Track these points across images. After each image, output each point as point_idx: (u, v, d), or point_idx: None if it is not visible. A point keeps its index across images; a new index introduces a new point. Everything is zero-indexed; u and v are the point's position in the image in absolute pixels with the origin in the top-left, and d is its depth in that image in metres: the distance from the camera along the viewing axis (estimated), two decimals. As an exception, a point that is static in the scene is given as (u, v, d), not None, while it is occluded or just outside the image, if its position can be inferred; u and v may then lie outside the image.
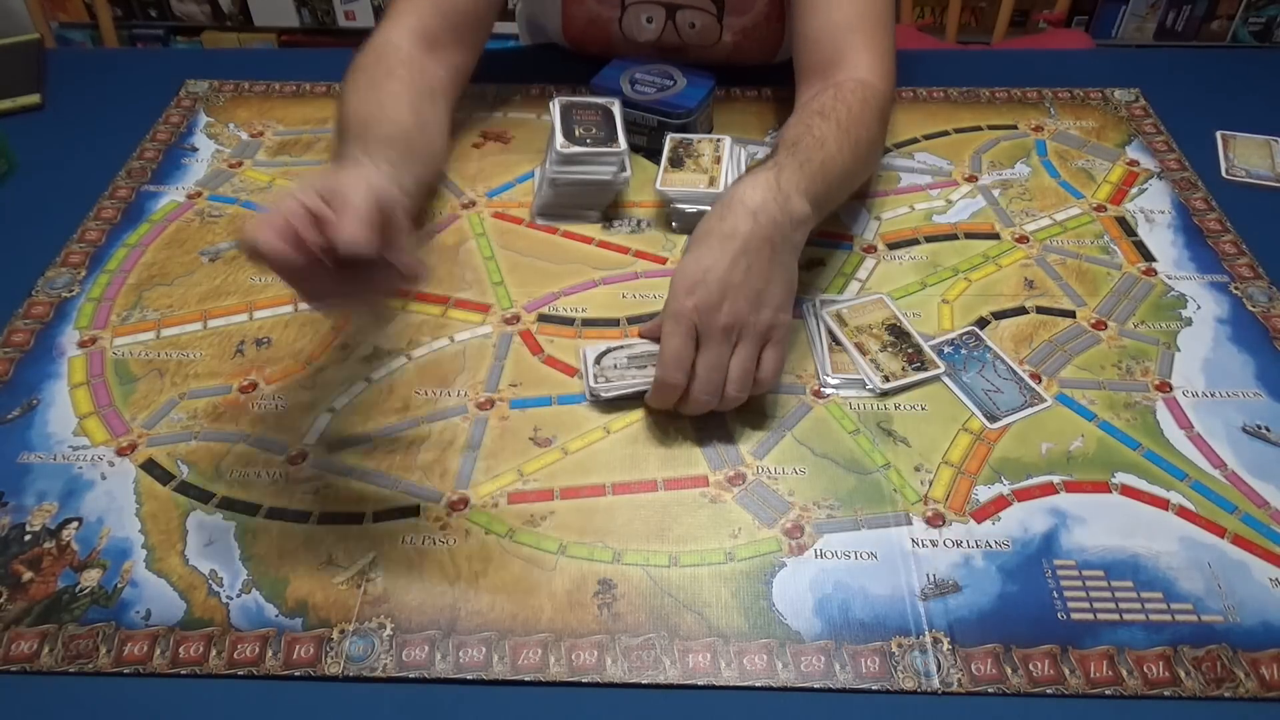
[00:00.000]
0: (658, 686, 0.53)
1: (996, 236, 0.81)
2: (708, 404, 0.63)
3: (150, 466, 0.64)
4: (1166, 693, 0.52)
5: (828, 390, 0.68)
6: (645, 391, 0.65)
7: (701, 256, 0.63)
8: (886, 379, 0.68)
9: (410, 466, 0.64)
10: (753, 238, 0.63)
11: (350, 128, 0.72)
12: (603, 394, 0.66)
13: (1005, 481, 0.62)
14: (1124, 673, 0.53)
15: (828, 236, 0.80)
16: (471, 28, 0.86)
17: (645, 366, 0.66)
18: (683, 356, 0.61)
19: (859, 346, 0.70)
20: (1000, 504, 0.61)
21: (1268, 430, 0.65)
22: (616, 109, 0.82)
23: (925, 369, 0.69)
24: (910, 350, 0.70)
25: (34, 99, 0.97)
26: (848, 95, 0.75)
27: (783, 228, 0.64)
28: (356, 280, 0.54)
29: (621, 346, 0.69)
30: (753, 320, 0.62)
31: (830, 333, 0.72)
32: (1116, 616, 0.55)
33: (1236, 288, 0.76)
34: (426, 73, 0.80)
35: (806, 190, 0.67)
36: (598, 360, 0.67)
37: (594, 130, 0.80)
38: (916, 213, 0.83)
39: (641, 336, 0.70)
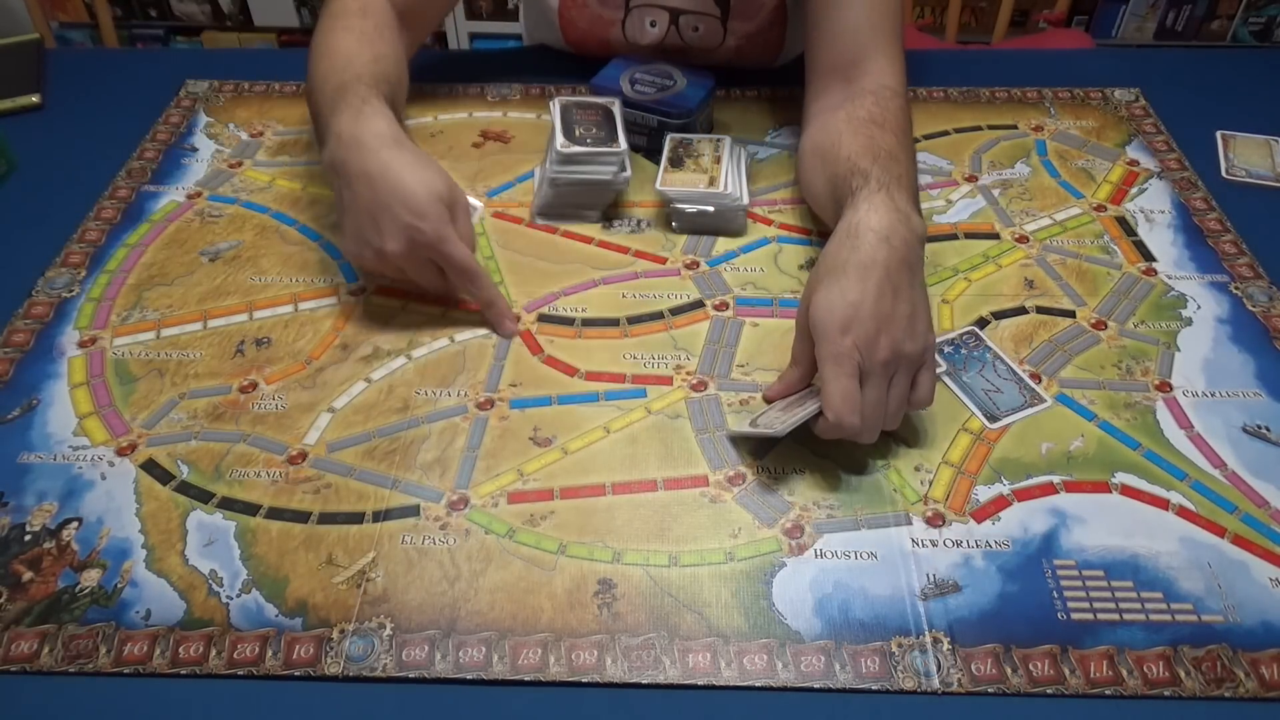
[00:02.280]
0: (658, 686, 0.53)
1: (996, 236, 0.81)
2: (871, 439, 0.61)
3: (150, 466, 0.64)
4: (1166, 693, 0.52)
5: None
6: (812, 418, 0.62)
7: (846, 291, 0.60)
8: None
9: (410, 466, 0.64)
10: (891, 264, 0.61)
11: (360, 74, 0.74)
12: (778, 427, 0.61)
13: (1005, 481, 0.62)
14: (1124, 673, 0.53)
15: (828, 236, 0.80)
16: (431, 12, 0.91)
17: (804, 403, 0.63)
18: (852, 396, 0.59)
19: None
20: (1000, 504, 0.61)
21: (1268, 430, 0.65)
22: (616, 109, 0.82)
23: (926, 368, 0.69)
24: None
25: (34, 99, 0.97)
26: (889, 103, 0.75)
27: (914, 248, 0.63)
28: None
29: (768, 410, 0.65)
30: (909, 349, 0.60)
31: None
32: (1116, 616, 0.55)
33: (1236, 288, 0.76)
34: (402, 40, 0.85)
35: (913, 203, 0.67)
36: (753, 423, 0.63)
37: (594, 130, 0.80)
38: (916, 213, 0.83)
39: (773, 398, 0.66)
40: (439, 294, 0.74)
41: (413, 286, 0.73)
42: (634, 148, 0.85)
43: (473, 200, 0.75)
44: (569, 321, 0.74)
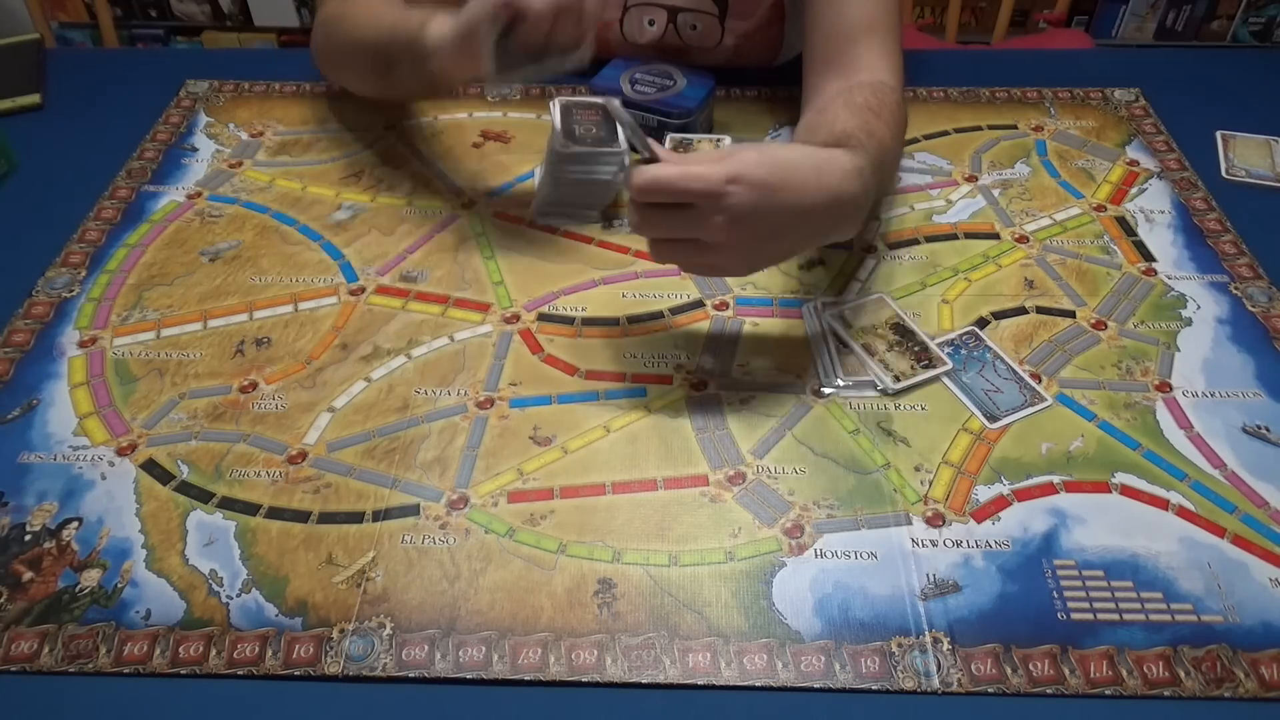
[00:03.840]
0: (658, 686, 0.53)
1: (996, 236, 0.81)
2: (642, 232, 0.60)
3: (150, 466, 0.64)
4: (1166, 693, 0.52)
5: (843, 394, 0.68)
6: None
7: (769, 166, 0.58)
8: (897, 379, 0.68)
9: (410, 466, 0.64)
10: (829, 202, 0.61)
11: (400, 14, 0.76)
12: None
13: (1005, 481, 0.62)
14: (1124, 673, 0.53)
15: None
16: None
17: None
18: (691, 184, 0.56)
19: (866, 348, 0.70)
20: (1000, 504, 0.61)
21: (1268, 430, 0.65)
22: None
23: (933, 366, 0.69)
24: (917, 348, 0.70)
25: (34, 99, 0.97)
26: (886, 97, 0.74)
27: (845, 221, 0.63)
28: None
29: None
30: (740, 238, 0.58)
31: (835, 335, 0.72)
32: (1116, 616, 0.55)
33: (1236, 288, 0.76)
34: None
35: (880, 188, 0.68)
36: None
37: (594, 130, 0.80)
38: (916, 213, 0.83)
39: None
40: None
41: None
42: (634, 148, 0.85)
43: None
44: (569, 321, 0.74)
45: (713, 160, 0.57)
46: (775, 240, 0.61)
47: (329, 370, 0.70)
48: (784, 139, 0.91)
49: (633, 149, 0.57)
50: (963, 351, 0.71)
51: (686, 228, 0.59)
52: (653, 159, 0.59)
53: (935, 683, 0.52)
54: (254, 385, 0.69)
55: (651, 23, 0.93)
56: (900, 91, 0.77)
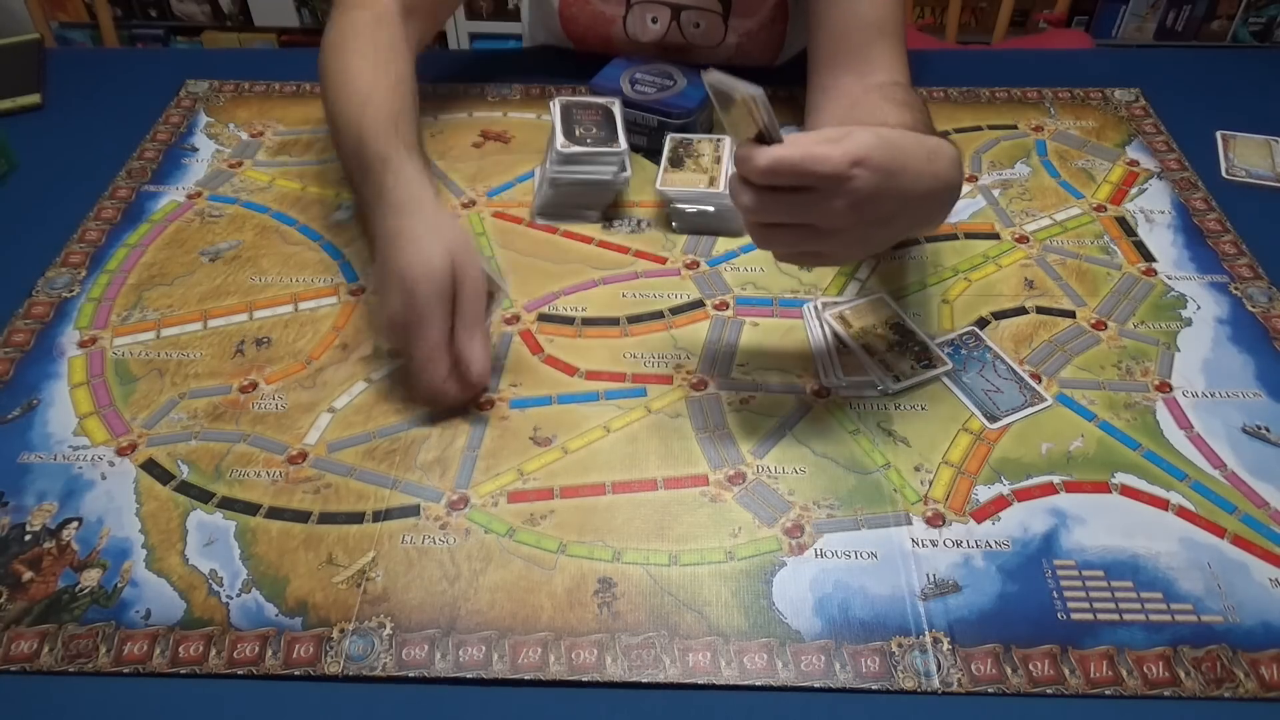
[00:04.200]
0: (657, 686, 0.53)
1: (996, 236, 0.81)
2: (748, 214, 0.56)
3: (150, 466, 0.64)
4: (1166, 693, 0.52)
5: (843, 394, 0.68)
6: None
7: (888, 148, 0.56)
8: (897, 379, 0.68)
9: (410, 466, 0.64)
10: (938, 185, 0.59)
11: (382, 118, 0.72)
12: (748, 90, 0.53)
13: (1005, 481, 0.62)
14: (1124, 673, 0.53)
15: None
16: (440, 9, 0.90)
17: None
18: (818, 166, 0.53)
19: (866, 348, 0.70)
20: (1000, 504, 0.61)
21: (1268, 430, 0.65)
22: (617, 109, 0.82)
23: (934, 366, 0.69)
24: (917, 348, 0.70)
25: (34, 99, 0.97)
26: (916, 99, 0.75)
27: (943, 210, 0.62)
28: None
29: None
30: (856, 223, 0.56)
31: (835, 335, 0.72)
32: (1116, 616, 0.55)
33: (1236, 288, 0.76)
34: (412, 46, 0.82)
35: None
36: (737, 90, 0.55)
37: (594, 130, 0.80)
38: (916, 213, 0.83)
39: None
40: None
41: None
42: (634, 148, 0.85)
43: (500, 282, 0.69)
44: (569, 321, 0.74)
45: (831, 141, 0.54)
46: (886, 226, 0.59)
47: (329, 370, 0.70)
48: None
49: (761, 139, 0.54)
50: (963, 351, 0.71)
51: (803, 212, 0.55)
52: (774, 140, 0.54)
53: (935, 683, 0.52)
54: (254, 385, 0.69)
55: (654, 20, 0.94)
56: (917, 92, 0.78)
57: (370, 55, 0.77)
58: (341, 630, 0.55)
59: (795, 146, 0.53)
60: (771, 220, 0.57)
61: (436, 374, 0.64)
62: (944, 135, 0.71)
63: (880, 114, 0.71)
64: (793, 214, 0.56)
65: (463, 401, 0.66)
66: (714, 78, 0.56)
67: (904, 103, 0.73)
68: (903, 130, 0.60)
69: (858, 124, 0.71)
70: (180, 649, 0.54)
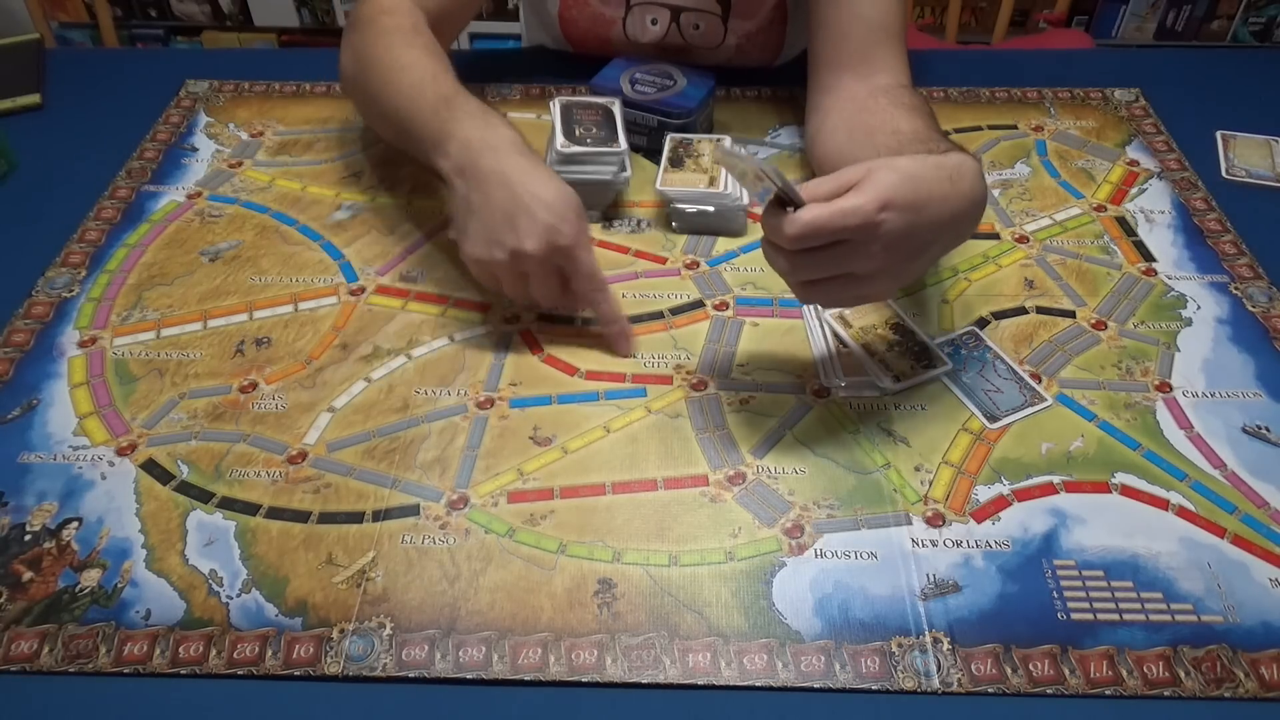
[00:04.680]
0: (658, 686, 0.53)
1: (996, 236, 0.81)
2: (793, 275, 0.57)
3: (150, 466, 0.64)
4: (1166, 693, 0.52)
5: (843, 394, 0.68)
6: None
7: (913, 186, 0.55)
8: (897, 379, 0.68)
9: (410, 466, 0.64)
10: (963, 208, 0.59)
11: (451, 90, 0.73)
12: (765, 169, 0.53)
13: (1005, 481, 0.62)
14: (1124, 673, 0.53)
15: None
16: (457, 17, 0.89)
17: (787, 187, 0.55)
18: (836, 221, 0.53)
19: (866, 348, 0.70)
20: (1000, 504, 0.61)
21: (1268, 430, 0.65)
22: (617, 109, 0.82)
23: (934, 366, 0.69)
24: (917, 348, 0.70)
25: (34, 99, 0.97)
26: (920, 101, 0.74)
27: (975, 222, 0.62)
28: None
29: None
30: (892, 277, 0.57)
31: (835, 335, 0.72)
32: (1116, 616, 0.55)
33: (1236, 288, 0.76)
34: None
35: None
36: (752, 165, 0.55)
37: (594, 130, 0.80)
38: (916, 213, 0.83)
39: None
40: (553, 307, 0.72)
41: (525, 300, 0.70)
42: (634, 148, 0.85)
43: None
44: (569, 321, 0.74)
45: (854, 189, 0.54)
46: (923, 255, 0.59)
47: (329, 370, 0.70)
48: (783, 138, 0.91)
49: (781, 202, 0.54)
50: (963, 351, 0.71)
51: (841, 264, 0.56)
52: (795, 201, 0.54)
53: (935, 683, 0.52)
54: (254, 385, 0.69)
55: (654, 22, 0.93)
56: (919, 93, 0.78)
57: (419, 48, 0.77)
58: (341, 630, 0.55)
59: (824, 206, 0.53)
60: (812, 278, 0.57)
61: (607, 295, 0.69)
62: (946, 136, 0.71)
63: (891, 121, 0.71)
64: (831, 268, 0.56)
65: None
66: (723, 152, 0.58)
67: (911, 106, 0.73)
68: (919, 157, 0.59)
69: (866, 132, 0.71)
70: (180, 649, 0.54)
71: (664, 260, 0.79)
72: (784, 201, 0.54)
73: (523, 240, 0.64)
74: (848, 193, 0.54)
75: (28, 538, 0.60)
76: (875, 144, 0.70)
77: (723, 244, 0.80)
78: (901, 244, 0.56)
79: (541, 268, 0.66)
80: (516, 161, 0.66)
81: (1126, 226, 0.82)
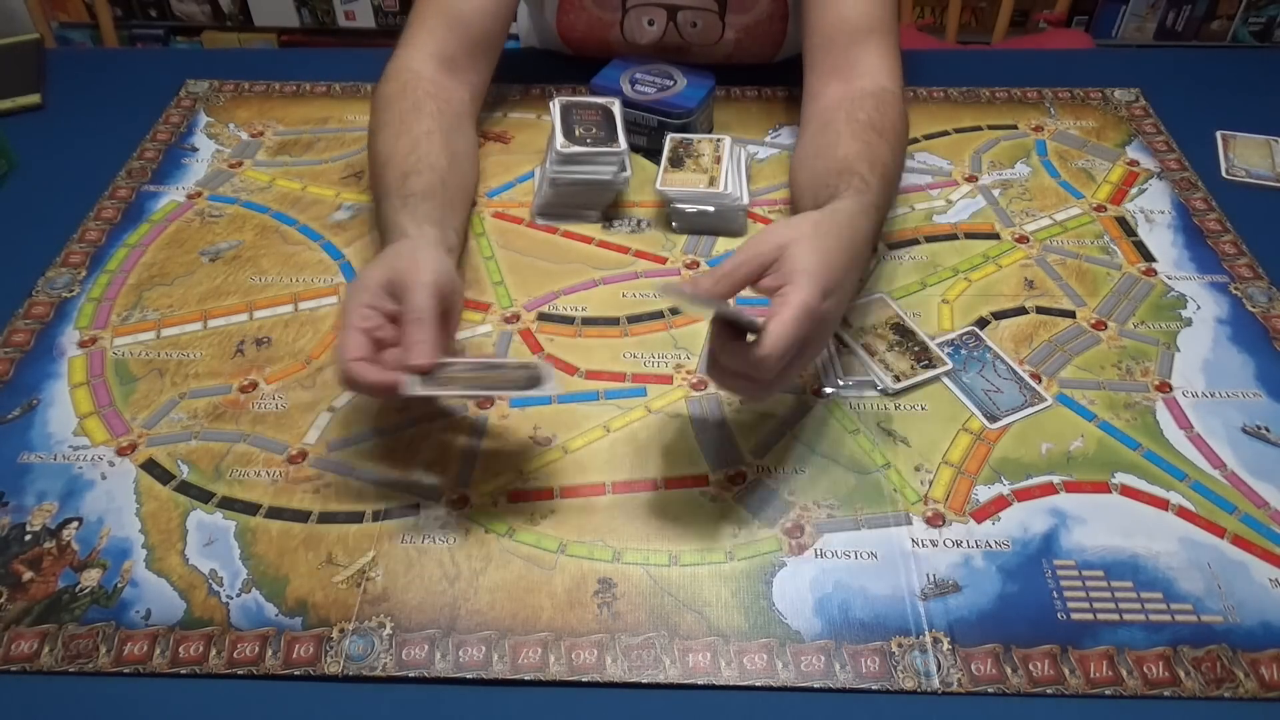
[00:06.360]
0: (658, 686, 0.53)
1: (996, 236, 0.81)
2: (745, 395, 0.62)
3: (150, 466, 0.64)
4: (1166, 693, 0.52)
5: (843, 394, 0.68)
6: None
7: (835, 262, 0.58)
8: (897, 379, 0.68)
9: (410, 465, 0.64)
10: (858, 263, 0.63)
11: (388, 178, 0.71)
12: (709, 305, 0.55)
13: (1005, 481, 0.62)
14: (1124, 673, 0.53)
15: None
16: (488, 46, 0.85)
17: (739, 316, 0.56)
18: (804, 328, 0.55)
19: (866, 347, 0.70)
20: (1000, 504, 0.61)
21: (1267, 430, 0.65)
22: (616, 109, 0.82)
23: (934, 366, 0.69)
24: (917, 348, 0.70)
25: (34, 99, 0.97)
26: (889, 109, 0.75)
27: (865, 257, 0.65)
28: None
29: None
30: (828, 334, 0.63)
31: (836, 335, 0.72)
32: (1116, 616, 0.55)
33: (1236, 288, 0.76)
34: (452, 99, 0.80)
35: (883, 217, 0.70)
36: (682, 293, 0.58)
37: (594, 130, 0.80)
38: (917, 213, 0.83)
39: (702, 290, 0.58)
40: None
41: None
42: (634, 148, 0.85)
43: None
44: (569, 320, 0.74)
45: (792, 285, 0.55)
46: (842, 309, 0.62)
47: (329, 370, 0.70)
48: (784, 138, 0.91)
49: (741, 328, 0.56)
50: (963, 351, 0.71)
51: (804, 360, 0.59)
52: (752, 325, 0.56)
53: (935, 683, 0.52)
54: (254, 385, 0.69)
55: (651, 23, 0.93)
56: (901, 95, 0.77)
57: (393, 124, 0.75)
58: (341, 630, 0.55)
59: (784, 322, 0.54)
60: (784, 382, 0.59)
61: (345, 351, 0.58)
62: (942, 134, 0.72)
63: (834, 138, 0.73)
64: (796, 366, 0.58)
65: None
66: (669, 294, 0.59)
67: (865, 123, 0.73)
68: (824, 219, 0.61)
69: (815, 155, 0.74)
70: (180, 649, 0.54)
71: (664, 260, 0.79)
72: (734, 325, 0.56)
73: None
74: (787, 290, 0.55)
75: (28, 537, 0.60)
76: (816, 171, 0.72)
77: (723, 244, 0.80)
78: (838, 314, 0.60)
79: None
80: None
81: (1126, 226, 0.82)
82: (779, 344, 0.54)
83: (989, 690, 0.52)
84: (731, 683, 0.53)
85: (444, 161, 0.73)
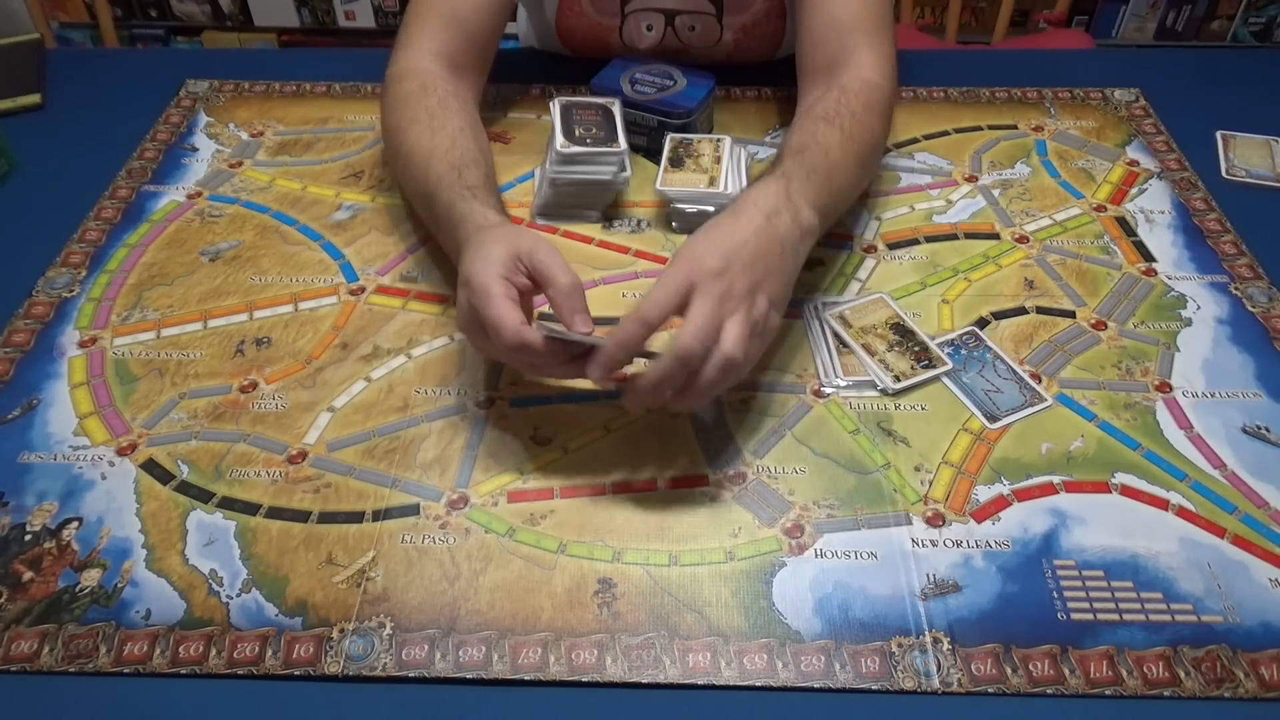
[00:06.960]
0: (658, 686, 0.53)
1: (996, 236, 0.81)
2: (680, 403, 0.59)
3: (150, 466, 0.64)
4: (1166, 693, 0.52)
5: (842, 393, 0.68)
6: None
7: (709, 233, 0.60)
8: (897, 379, 0.68)
9: (410, 466, 0.64)
10: (763, 235, 0.61)
11: (435, 170, 0.71)
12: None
13: (1005, 481, 0.62)
14: (1124, 673, 0.53)
15: (828, 237, 0.80)
16: (486, 45, 0.86)
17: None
18: (713, 328, 0.56)
19: (866, 348, 0.70)
20: (1000, 504, 0.61)
21: (1267, 430, 0.65)
22: (616, 109, 0.82)
23: (934, 366, 0.69)
24: (917, 348, 0.70)
25: (34, 99, 0.97)
26: (852, 99, 0.74)
27: (792, 237, 0.63)
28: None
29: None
30: (748, 302, 0.58)
31: (835, 335, 0.72)
32: (1116, 617, 0.55)
33: (1236, 288, 0.76)
34: (465, 98, 0.81)
35: (814, 201, 0.66)
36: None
37: (594, 130, 0.80)
38: (917, 213, 0.83)
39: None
40: (537, 371, 0.66)
41: (532, 372, 0.67)
42: (634, 148, 0.85)
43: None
44: (569, 321, 0.74)
45: (692, 307, 0.57)
46: (758, 277, 0.60)
47: (329, 370, 0.70)
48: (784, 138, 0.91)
49: (635, 149, 0.56)
50: (963, 351, 0.71)
51: (722, 381, 0.58)
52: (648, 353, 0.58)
53: (935, 683, 0.52)
54: (254, 385, 0.69)
55: (650, 28, 0.94)
56: (882, 86, 0.77)
57: (423, 120, 0.75)
58: (341, 630, 0.55)
59: (696, 323, 0.56)
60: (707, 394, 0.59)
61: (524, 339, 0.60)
62: (942, 134, 0.72)
63: (790, 132, 0.73)
64: (740, 339, 0.57)
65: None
66: (551, 333, 0.59)
67: (820, 115, 0.73)
68: (728, 225, 0.62)
69: (796, 146, 0.72)
70: (180, 649, 0.54)
71: (664, 260, 0.79)
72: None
73: (460, 327, 0.63)
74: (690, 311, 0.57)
75: (28, 537, 0.60)
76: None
77: (723, 244, 0.80)
78: (750, 278, 0.59)
79: (472, 336, 0.63)
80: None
81: (1126, 226, 0.82)
82: (692, 329, 0.56)
83: (989, 690, 0.52)
84: (731, 683, 0.53)
85: (483, 158, 0.74)
